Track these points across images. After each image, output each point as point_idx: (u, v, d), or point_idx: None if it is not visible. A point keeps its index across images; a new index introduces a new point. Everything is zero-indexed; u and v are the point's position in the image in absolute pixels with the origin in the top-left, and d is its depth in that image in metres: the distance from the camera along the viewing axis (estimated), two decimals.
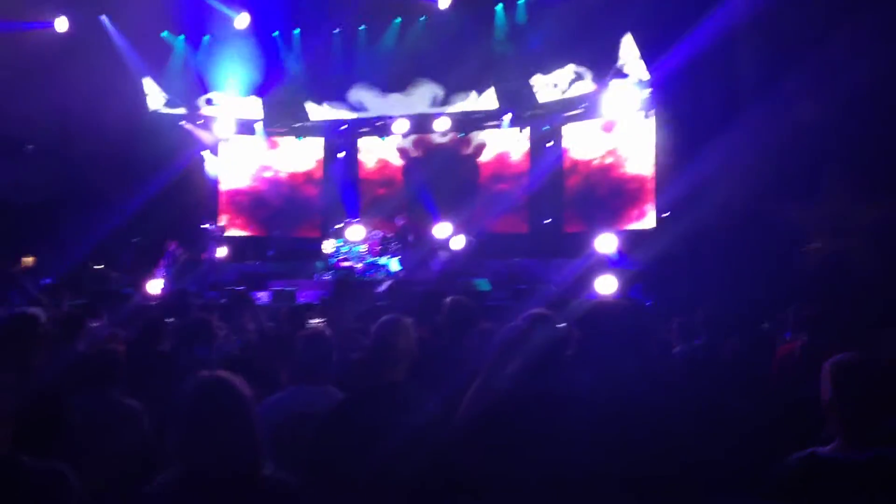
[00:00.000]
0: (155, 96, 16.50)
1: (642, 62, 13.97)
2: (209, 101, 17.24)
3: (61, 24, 14.11)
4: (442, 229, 14.77)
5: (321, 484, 2.97)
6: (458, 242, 14.60)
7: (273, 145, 18.39)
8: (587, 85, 15.55)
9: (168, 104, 16.74)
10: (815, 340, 5.04)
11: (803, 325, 5.66)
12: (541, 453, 2.48)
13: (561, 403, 2.54)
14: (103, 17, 15.01)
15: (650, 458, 2.38)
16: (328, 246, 15.19)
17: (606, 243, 12.39)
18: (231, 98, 17.23)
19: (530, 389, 2.76)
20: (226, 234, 16.69)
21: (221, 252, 15.03)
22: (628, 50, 14.21)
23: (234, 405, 2.34)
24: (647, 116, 14.72)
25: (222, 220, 16.98)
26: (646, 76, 14.05)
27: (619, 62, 14.54)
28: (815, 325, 5.44)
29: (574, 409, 2.48)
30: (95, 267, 13.80)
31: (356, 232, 15.10)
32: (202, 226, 15.33)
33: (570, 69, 15.54)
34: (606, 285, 10.45)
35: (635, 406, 2.44)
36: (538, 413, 2.58)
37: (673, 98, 12.85)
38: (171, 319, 6.89)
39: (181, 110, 17.04)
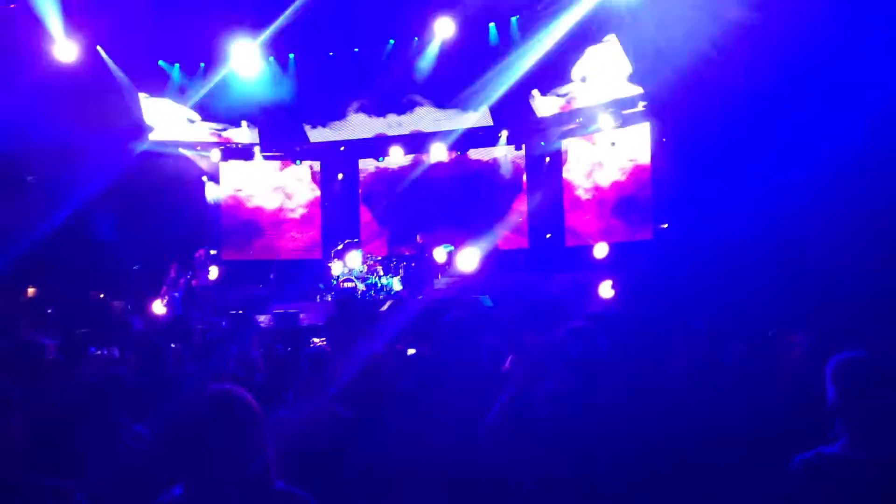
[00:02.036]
0: (153, 124, 16.56)
1: (637, 75, 14.03)
2: (207, 127, 17.31)
3: (69, 54, 13.80)
4: (445, 247, 14.81)
5: (331, 499, 2.98)
6: (464, 259, 14.64)
7: (272, 169, 18.45)
8: (582, 100, 15.60)
9: (166, 132, 16.80)
10: (820, 342, 5.03)
11: (809, 329, 5.66)
12: (574, 459, 2.52)
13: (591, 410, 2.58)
14: (99, 48, 15.03)
15: (664, 462, 2.41)
16: (335, 268, 15.24)
17: (602, 251, 12.60)
18: (229, 123, 17.32)
19: (567, 398, 2.79)
20: (225, 258, 16.71)
21: (213, 273, 14.96)
22: (621, 63, 14.26)
23: (244, 416, 2.33)
24: (641, 127, 14.79)
25: (220, 245, 17.03)
26: (639, 89, 14.12)
27: (613, 75, 14.61)
28: (819, 327, 5.44)
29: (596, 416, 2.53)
30: (98, 295, 13.80)
31: (356, 253, 15.14)
32: (201, 251, 15.35)
33: (564, 85, 15.60)
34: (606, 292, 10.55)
35: (652, 412, 2.48)
36: (575, 419, 2.62)
37: (668, 109, 12.87)
38: (175, 345, 6.91)
39: (180, 137, 17.11)
